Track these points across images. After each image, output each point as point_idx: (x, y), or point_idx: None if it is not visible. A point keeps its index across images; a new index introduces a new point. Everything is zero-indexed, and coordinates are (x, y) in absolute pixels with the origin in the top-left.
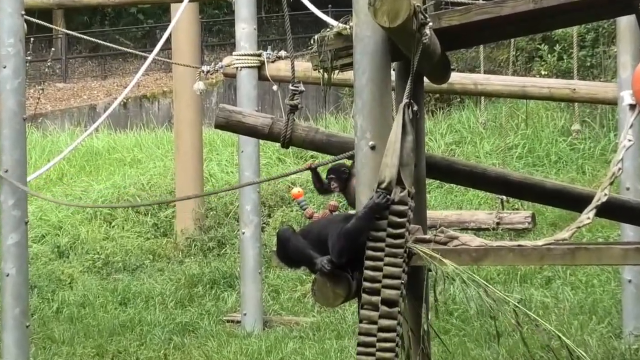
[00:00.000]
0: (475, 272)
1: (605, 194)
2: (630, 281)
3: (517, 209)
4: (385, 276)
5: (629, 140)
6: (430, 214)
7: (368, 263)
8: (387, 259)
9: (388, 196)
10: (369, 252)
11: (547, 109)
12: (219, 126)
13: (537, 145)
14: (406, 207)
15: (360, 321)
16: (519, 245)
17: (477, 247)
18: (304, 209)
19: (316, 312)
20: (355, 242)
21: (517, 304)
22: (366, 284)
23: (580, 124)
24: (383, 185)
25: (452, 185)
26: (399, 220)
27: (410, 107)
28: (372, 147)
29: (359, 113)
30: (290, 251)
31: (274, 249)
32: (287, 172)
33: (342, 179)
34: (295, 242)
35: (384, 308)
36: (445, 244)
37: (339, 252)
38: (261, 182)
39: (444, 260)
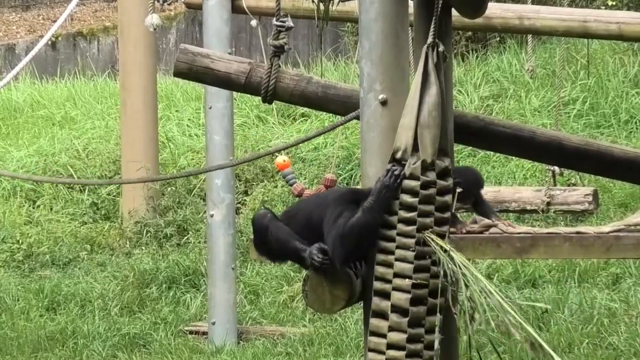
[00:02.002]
0: (520, 268)
1: None
2: None
3: (575, 185)
4: (395, 275)
5: None
6: None
7: (379, 257)
8: (397, 252)
9: (401, 171)
10: (380, 243)
11: (616, 52)
12: (179, 74)
13: (601, 100)
14: (418, 183)
15: (371, 334)
16: (577, 233)
17: (521, 234)
18: (292, 184)
19: (308, 321)
20: (364, 241)
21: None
22: (376, 285)
23: None
24: (398, 155)
25: (488, 153)
26: (410, 200)
27: (435, 49)
28: (383, 102)
29: (365, 57)
30: (271, 243)
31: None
32: (275, 143)
33: None
34: (276, 232)
35: (393, 317)
36: (480, 233)
37: (343, 257)
38: (239, 163)
39: (454, 252)
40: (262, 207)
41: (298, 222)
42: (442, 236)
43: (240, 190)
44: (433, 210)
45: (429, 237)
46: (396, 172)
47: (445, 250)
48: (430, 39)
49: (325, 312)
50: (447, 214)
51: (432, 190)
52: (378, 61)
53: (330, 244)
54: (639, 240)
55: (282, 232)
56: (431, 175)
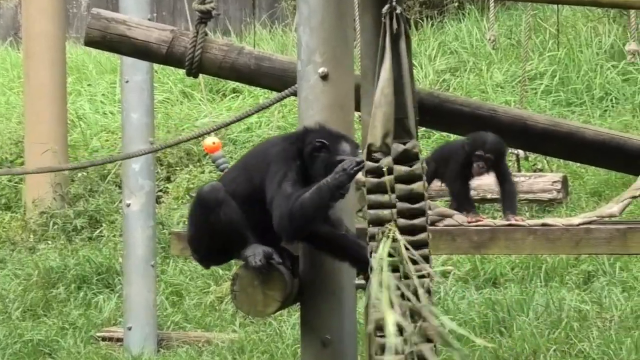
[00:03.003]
0: (479, 265)
1: None
2: None
3: (542, 170)
4: None
5: None
6: None
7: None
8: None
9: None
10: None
11: (590, 19)
12: (91, 42)
13: (573, 74)
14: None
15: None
16: (542, 225)
17: (479, 227)
18: (222, 170)
19: (238, 325)
20: (313, 221)
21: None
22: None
23: (639, 42)
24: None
25: (444, 134)
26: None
27: (393, 15)
28: (324, 76)
29: (303, 24)
30: (219, 224)
31: (175, 229)
32: (202, 122)
33: None
34: (230, 212)
35: None
36: (433, 224)
37: (292, 235)
38: (162, 148)
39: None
40: (212, 183)
41: (238, 194)
42: (413, 231)
43: (162, 177)
44: (392, 200)
45: (387, 231)
46: (358, 159)
47: (407, 249)
48: (387, 6)
49: (258, 315)
50: (419, 204)
51: (388, 178)
52: (318, 29)
53: (277, 217)
54: (612, 233)
55: (236, 214)
56: (385, 161)
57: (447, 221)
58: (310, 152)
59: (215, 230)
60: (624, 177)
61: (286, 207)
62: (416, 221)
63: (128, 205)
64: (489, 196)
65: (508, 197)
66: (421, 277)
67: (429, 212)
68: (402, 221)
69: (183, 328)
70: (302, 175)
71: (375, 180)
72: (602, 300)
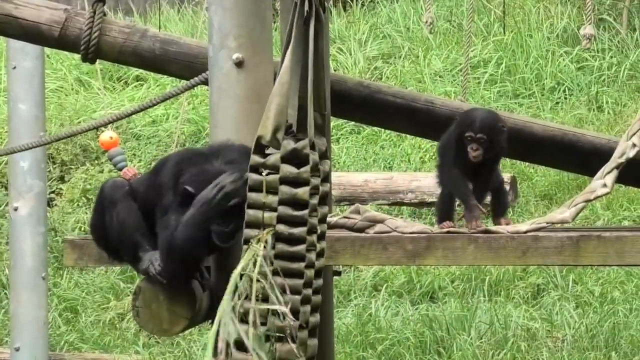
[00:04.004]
0: (415, 278)
1: (635, 145)
2: None
3: None
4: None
5: None
6: (339, 178)
7: None
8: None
9: (231, 182)
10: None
11: (539, 0)
12: None
13: (520, 61)
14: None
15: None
16: (485, 232)
17: (414, 234)
18: (121, 169)
19: (142, 346)
20: (189, 257)
21: None
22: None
23: (595, 25)
24: (266, 139)
25: (375, 129)
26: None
27: None
28: (239, 63)
29: (215, 4)
30: (111, 228)
31: (70, 236)
32: (101, 114)
33: None
34: (123, 213)
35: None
36: (362, 230)
37: (171, 274)
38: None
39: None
40: (114, 179)
41: (141, 196)
42: (291, 241)
43: (55, 176)
44: (271, 203)
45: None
46: (222, 184)
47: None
48: None
49: (163, 334)
50: (301, 212)
51: (271, 178)
52: (232, 10)
53: (159, 255)
54: (563, 242)
55: (130, 217)
56: (272, 158)
57: (378, 227)
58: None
59: (108, 230)
60: (577, 178)
61: (164, 242)
62: (295, 230)
63: (15, 209)
64: (428, 200)
65: (499, 197)
66: (296, 292)
67: (357, 217)
68: (281, 227)
69: (78, 349)
70: None
71: (257, 177)
72: (553, 317)
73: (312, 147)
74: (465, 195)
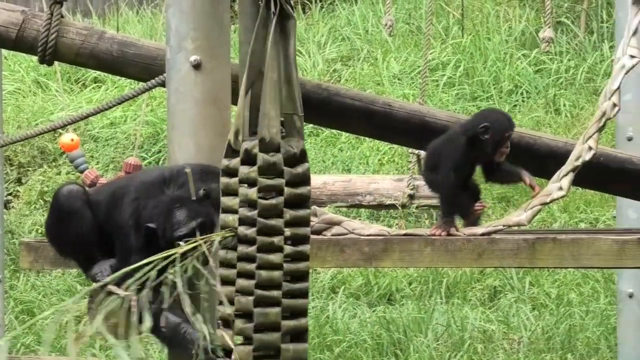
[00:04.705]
0: (372, 280)
1: (590, 148)
2: (631, 296)
3: None
4: None
5: (631, 57)
6: None
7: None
8: None
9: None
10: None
11: (498, 2)
12: None
13: (479, 64)
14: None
15: None
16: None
17: (372, 237)
18: (82, 171)
19: (99, 349)
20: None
21: None
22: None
23: (554, 28)
24: (232, 143)
25: (334, 132)
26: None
27: None
28: (196, 65)
29: (173, 6)
30: (67, 236)
31: (26, 238)
32: (59, 116)
33: None
34: (77, 223)
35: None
36: (319, 232)
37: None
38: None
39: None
40: (68, 185)
41: (101, 207)
42: (248, 241)
43: (12, 178)
44: (235, 205)
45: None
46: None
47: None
48: None
49: (120, 337)
50: (252, 213)
51: (232, 180)
52: (190, 12)
53: (118, 257)
54: (519, 244)
55: (85, 229)
56: (232, 162)
57: (336, 229)
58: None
59: (64, 236)
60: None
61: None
62: (249, 231)
63: None
64: (386, 202)
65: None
66: (248, 293)
67: (315, 219)
68: (241, 229)
69: (35, 352)
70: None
71: (225, 180)
72: (510, 319)
73: (272, 148)
74: (462, 212)
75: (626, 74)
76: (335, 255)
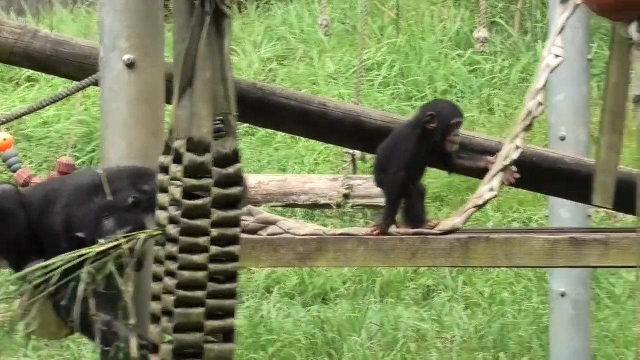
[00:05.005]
0: (307, 279)
1: (518, 147)
2: (563, 295)
3: None
4: None
5: (556, 56)
6: None
7: None
8: None
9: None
10: None
11: (433, 2)
12: None
13: (414, 64)
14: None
15: None
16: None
17: (306, 237)
18: (15, 170)
19: (31, 349)
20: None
21: None
22: None
23: (488, 28)
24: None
25: (269, 131)
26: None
27: None
28: (130, 64)
29: (107, 5)
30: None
31: None
32: None
33: None
34: (13, 226)
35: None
36: (254, 232)
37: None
38: None
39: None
40: (7, 182)
41: (36, 206)
42: (171, 241)
43: None
44: (165, 204)
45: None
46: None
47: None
48: None
49: (52, 337)
50: (177, 212)
51: (165, 178)
52: (123, 11)
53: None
54: (452, 244)
55: (18, 230)
56: (167, 159)
57: (271, 229)
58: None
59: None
60: (468, 181)
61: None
62: (174, 231)
63: None
64: (321, 202)
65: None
66: (169, 293)
67: (250, 218)
68: (169, 228)
69: None
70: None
71: (160, 177)
72: (443, 318)
73: (201, 148)
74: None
75: (551, 72)
76: (270, 255)
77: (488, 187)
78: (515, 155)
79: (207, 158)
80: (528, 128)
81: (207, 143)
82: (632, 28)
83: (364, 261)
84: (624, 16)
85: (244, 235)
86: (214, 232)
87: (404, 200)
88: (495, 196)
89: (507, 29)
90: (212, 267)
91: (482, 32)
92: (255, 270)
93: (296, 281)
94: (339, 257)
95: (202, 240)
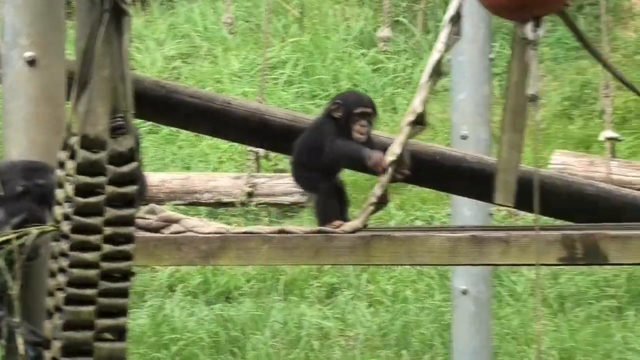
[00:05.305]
0: (211, 278)
1: (402, 142)
2: (465, 292)
3: (284, 171)
4: None
5: (439, 52)
6: None
7: None
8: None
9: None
10: None
11: (337, 1)
12: None
13: (318, 63)
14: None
15: None
16: (279, 232)
17: (209, 235)
18: None
19: None
20: None
21: None
22: None
23: (391, 27)
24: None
25: (173, 129)
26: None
27: None
28: (31, 62)
29: (8, 2)
30: None
31: None
32: None
33: None
34: None
35: None
36: (157, 230)
37: None
38: None
39: None
40: None
41: None
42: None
43: None
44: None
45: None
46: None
47: None
48: None
49: None
50: (62, 210)
51: (62, 174)
52: (24, 7)
53: None
54: (355, 242)
55: None
56: (63, 155)
57: (174, 227)
58: None
59: None
60: (372, 179)
61: None
62: (66, 228)
63: None
64: (224, 200)
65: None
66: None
67: (153, 217)
68: (63, 225)
69: None
70: None
71: (58, 173)
72: (346, 316)
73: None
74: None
75: (434, 68)
76: (172, 253)
77: (379, 185)
78: (397, 150)
79: (101, 156)
80: (415, 122)
81: (103, 140)
82: (528, 27)
83: (267, 259)
84: (518, 16)
85: (146, 234)
86: (107, 230)
87: (315, 196)
88: (385, 192)
89: (410, 28)
90: (105, 265)
91: (385, 31)
92: (158, 269)
93: (199, 280)
94: (242, 255)
95: (94, 238)
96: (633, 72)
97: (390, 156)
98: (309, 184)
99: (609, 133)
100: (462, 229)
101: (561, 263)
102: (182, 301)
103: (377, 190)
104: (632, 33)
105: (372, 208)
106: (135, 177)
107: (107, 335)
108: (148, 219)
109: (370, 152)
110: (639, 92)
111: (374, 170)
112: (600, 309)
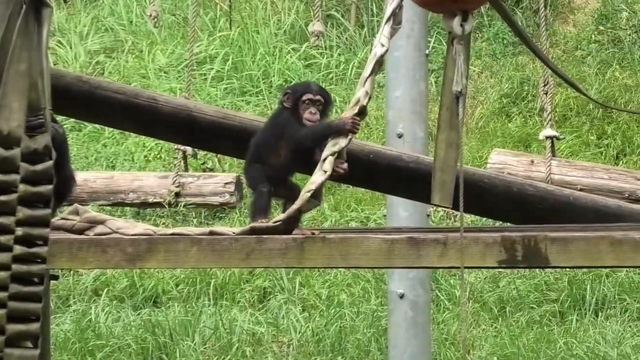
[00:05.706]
0: (138, 281)
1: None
2: (402, 296)
3: (212, 170)
4: None
5: (382, 46)
6: None
7: None
8: None
9: None
10: None
11: None
12: None
13: (247, 58)
14: None
15: None
16: (209, 234)
17: (136, 237)
18: None
19: None
20: None
21: None
22: None
23: (323, 21)
24: None
25: (97, 126)
26: None
27: None
28: None
29: None
30: None
31: None
32: None
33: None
34: None
35: None
36: (81, 232)
37: None
38: None
39: None
40: None
41: None
42: None
43: None
44: None
45: None
46: None
47: None
48: None
49: None
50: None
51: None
52: None
53: None
54: (287, 244)
55: None
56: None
57: (99, 229)
58: None
59: None
60: (307, 178)
61: None
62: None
63: None
64: (150, 200)
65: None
66: None
67: (76, 218)
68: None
69: None
70: None
71: None
72: (279, 321)
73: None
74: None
75: (377, 61)
76: (97, 255)
77: (320, 172)
78: (343, 143)
79: (14, 153)
80: (357, 115)
81: (17, 137)
82: (455, 21)
83: (196, 262)
84: (446, 8)
85: (70, 235)
86: (19, 230)
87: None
88: (326, 179)
89: (343, 23)
90: (16, 267)
91: (317, 26)
92: (82, 272)
93: (126, 283)
94: (170, 258)
95: (4, 239)
96: (573, 69)
97: (334, 147)
98: (254, 184)
99: (549, 131)
100: (399, 230)
101: (501, 266)
102: (108, 306)
103: (319, 177)
104: (571, 28)
105: (308, 194)
106: (51, 176)
107: (17, 342)
108: (71, 219)
109: (336, 120)
110: (579, 89)
111: (344, 132)
112: (541, 314)
